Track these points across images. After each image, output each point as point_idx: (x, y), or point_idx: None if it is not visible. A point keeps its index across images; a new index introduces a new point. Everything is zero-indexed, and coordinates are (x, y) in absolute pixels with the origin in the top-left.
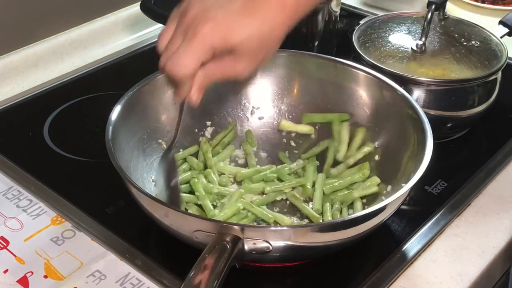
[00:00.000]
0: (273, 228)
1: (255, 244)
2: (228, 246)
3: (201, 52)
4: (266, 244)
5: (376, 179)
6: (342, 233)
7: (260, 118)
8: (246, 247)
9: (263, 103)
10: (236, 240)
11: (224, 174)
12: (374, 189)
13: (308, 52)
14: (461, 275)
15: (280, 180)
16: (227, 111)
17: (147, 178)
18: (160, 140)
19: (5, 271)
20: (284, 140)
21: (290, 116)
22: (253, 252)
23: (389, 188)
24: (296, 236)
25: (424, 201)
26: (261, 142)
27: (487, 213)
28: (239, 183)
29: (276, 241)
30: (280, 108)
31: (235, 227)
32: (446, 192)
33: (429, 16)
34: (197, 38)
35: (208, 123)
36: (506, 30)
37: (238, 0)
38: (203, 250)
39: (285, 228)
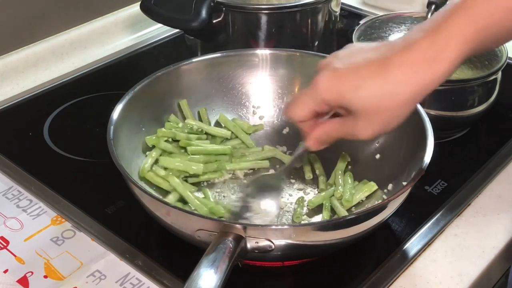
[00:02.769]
0: (275, 227)
1: (257, 243)
2: (231, 245)
3: (312, 104)
4: (268, 243)
5: (372, 186)
6: (344, 231)
7: (260, 118)
8: (249, 245)
9: (263, 102)
10: (239, 239)
11: None
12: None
13: (308, 52)
14: (461, 275)
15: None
16: (228, 110)
17: None
18: None
19: (5, 271)
20: (285, 140)
21: None
22: (256, 251)
23: (390, 186)
24: (297, 235)
25: (424, 201)
26: (261, 142)
27: (487, 213)
28: None
29: (278, 239)
30: (281, 108)
31: (238, 226)
32: (446, 192)
33: (429, 16)
34: (312, 89)
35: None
36: None
37: (374, 55)
38: (205, 249)
39: (286, 226)
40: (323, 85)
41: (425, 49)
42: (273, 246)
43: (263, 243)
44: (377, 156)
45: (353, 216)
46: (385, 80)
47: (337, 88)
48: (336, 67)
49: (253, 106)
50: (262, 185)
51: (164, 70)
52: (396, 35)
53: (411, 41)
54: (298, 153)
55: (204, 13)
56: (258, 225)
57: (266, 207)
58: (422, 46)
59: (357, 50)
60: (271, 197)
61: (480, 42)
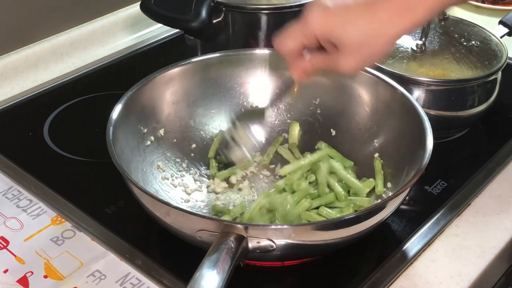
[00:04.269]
0: (276, 227)
1: (259, 242)
2: (232, 245)
3: (302, 38)
4: (269, 243)
5: (371, 182)
6: (344, 231)
7: None
8: (250, 245)
9: (262, 102)
10: (241, 239)
11: None
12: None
13: None
14: (461, 275)
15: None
16: (226, 110)
17: (148, 177)
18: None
19: (5, 271)
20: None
21: (289, 115)
22: (257, 251)
23: (389, 185)
24: (297, 234)
25: (424, 201)
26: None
27: (487, 213)
28: None
29: (279, 239)
30: (279, 107)
31: (239, 226)
32: (446, 192)
33: None
34: (303, 25)
35: (208, 121)
36: (506, 30)
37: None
38: (206, 249)
39: (287, 226)
40: (314, 21)
41: None
42: (274, 246)
43: (265, 242)
44: (377, 155)
45: (353, 215)
46: (372, 20)
47: (327, 24)
48: (327, 6)
49: (251, 106)
50: None
51: (163, 70)
52: None
53: None
54: (287, 86)
55: (204, 13)
56: (259, 225)
57: None
58: None
59: None
60: None
61: None
